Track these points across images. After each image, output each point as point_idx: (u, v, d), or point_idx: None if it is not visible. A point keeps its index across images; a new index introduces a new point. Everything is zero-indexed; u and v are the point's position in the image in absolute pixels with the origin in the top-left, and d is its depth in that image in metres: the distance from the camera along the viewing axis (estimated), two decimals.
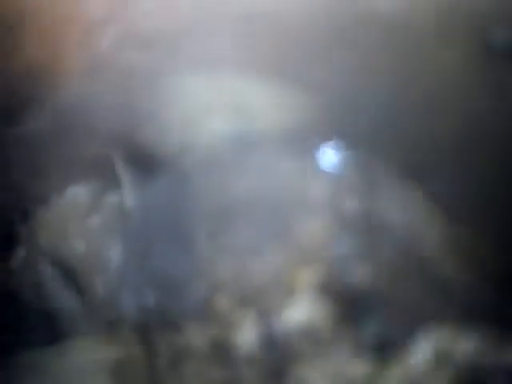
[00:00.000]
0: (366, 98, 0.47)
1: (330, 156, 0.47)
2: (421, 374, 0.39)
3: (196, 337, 0.47)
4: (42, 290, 0.65)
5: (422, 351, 0.39)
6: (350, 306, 0.44)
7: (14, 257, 0.68)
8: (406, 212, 0.47)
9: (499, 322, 0.42)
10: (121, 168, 0.58)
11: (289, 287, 0.46)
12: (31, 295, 0.66)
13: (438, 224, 0.45)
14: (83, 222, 0.62)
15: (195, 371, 0.47)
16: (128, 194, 0.58)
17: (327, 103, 0.47)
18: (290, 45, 0.46)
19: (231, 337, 0.45)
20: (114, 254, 0.58)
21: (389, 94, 0.48)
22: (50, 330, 0.63)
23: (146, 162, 0.55)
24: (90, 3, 0.47)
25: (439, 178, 0.48)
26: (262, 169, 0.48)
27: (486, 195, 0.46)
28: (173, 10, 0.45)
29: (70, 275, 0.62)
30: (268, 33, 0.46)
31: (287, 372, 0.43)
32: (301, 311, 0.45)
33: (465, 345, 0.39)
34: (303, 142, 0.48)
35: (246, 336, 0.45)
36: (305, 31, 0.46)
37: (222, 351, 0.46)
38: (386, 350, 0.40)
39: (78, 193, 0.63)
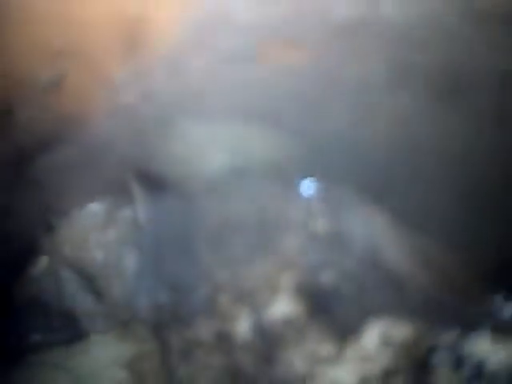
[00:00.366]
0: (335, 141, 0.61)
1: (305, 185, 0.60)
2: (371, 351, 0.53)
3: (202, 329, 0.60)
4: (62, 294, 0.76)
5: (371, 335, 0.52)
6: (319, 302, 0.58)
7: (36, 265, 0.79)
8: (366, 228, 0.61)
9: (434, 313, 0.56)
10: (135, 188, 0.70)
11: (273, 288, 0.59)
12: (53, 298, 0.77)
13: (394, 235, 0.58)
14: (101, 233, 0.74)
15: (202, 359, 0.59)
16: (141, 210, 0.70)
17: (304, 145, 0.61)
18: (277, 99, 0.60)
19: (230, 328, 0.59)
20: (129, 261, 0.71)
21: (351, 136, 0.62)
22: (71, 330, 0.74)
23: (157, 185, 0.68)
24: (117, 71, 0.59)
25: (397, 197, 0.62)
26: (252, 195, 0.61)
27: (441, 209, 0.60)
28: (182, 77, 0.57)
29: (90, 280, 0.74)
30: (258, 90, 0.59)
31: (274, 353, 0.57)
32: (282, 306, 0.58)
33: (405, 330, 0.53)
34: (285, 175, 0.61)
35: (242, 327, 0.58)
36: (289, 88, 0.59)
37: (223, 340, 0.59)
38: (345, 334, 0.54)
39: (96, 209, 0.75)
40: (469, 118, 0.62)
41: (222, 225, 0.62)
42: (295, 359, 0.55)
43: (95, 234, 0.76)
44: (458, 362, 0.51)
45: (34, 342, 0.74)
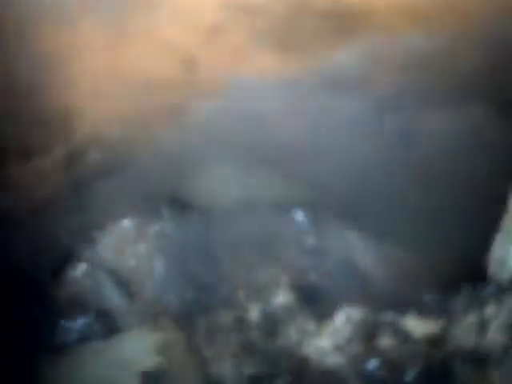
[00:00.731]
0: (321, 182, 0.87)
1: (299, 213, 0.86)
2: (340, 327, 0.79)
3: (223, 317, 0.84)
4: (100, 294, 0.96)
5: (340, 316, 0.78)
6: (307, 295, 0.83)
7: (75, 270, 0.98)
8: (341, 242, 0.87)
9: (384, 299, 0.83)
10: (165, 209, 0.92)
11: (275, 285, 0.84)
12: (92, 298, 0.96)
13: (362, 246, 0.85)
14: (134, 244, 0.95)
15: (223, 339, 0.83)
16: (168, 226, 0.92)
17: (299, 184, 0.87)
18: (281, 149, 0.86)
19: (245, 315, 0.83)
20: (158, 266, 0.92)
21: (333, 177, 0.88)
22: (108, 324, 0.93)
23: (184, 208, 0.91)
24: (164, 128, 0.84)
25: (365, 219, 0.88)
26: (260, 218, 0.86)
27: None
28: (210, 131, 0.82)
29: (124, 282, 0.95)
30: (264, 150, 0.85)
31: (276, 330, 0.82)
32: (282, 298, 0.83)
33: (361, 312, 0.79)
34: (284, 205, 0.87)
35: (254, 314, 0.83)
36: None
37: (239, 324, 0.83)
38: (324, 316, 0.79)
39: (129, 223, 0.96)
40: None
41: (235, 240, 0.86)
42: (290, 333, 0.80)
43: (129, 245, 0.97)
44: (395, 333, 0.77)
45: (76, 333, 0.93)
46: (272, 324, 0.81)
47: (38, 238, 0.97)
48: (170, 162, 0.87)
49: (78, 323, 0.96)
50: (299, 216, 0.87)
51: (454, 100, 0.89)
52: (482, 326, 0.75)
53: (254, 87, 0.89)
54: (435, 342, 0.76)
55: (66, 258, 0.99)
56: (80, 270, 0.99)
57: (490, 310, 0.75)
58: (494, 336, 0.74)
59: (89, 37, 0.92)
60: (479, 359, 0.74)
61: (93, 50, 0.91)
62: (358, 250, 0.82)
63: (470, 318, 0.76)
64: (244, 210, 0.88)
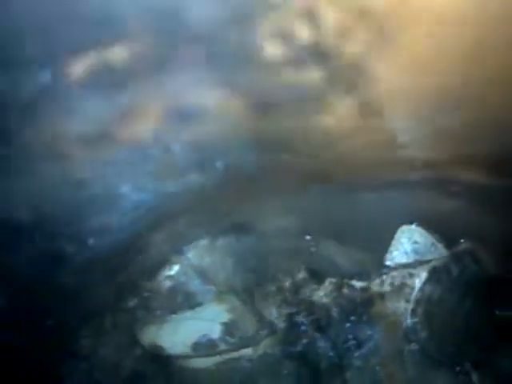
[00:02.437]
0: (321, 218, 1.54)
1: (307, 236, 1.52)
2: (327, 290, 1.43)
3: (269, 289, 1.45)
4: (188, 285, 1.57)
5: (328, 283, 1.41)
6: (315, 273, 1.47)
7: (171, 271, 1.60)
8: (332, 249, 1.52)
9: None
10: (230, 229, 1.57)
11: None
12: (183, 288, 1.57)
13: (340, 249, 1.50)
14: (210, 252, 1.59)
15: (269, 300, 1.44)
16: (232, 240, 1.56)
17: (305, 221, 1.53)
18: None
19: (283, 285, 1.46)
20: (228, 264, 1.55)
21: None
22: (193, 301, 1.53)
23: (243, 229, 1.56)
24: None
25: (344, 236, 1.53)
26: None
27: None
28: None
29: (204, 275, 1.56)
30: None
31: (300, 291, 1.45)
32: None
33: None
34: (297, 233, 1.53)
35: (287, 284, 1.46)
36: None
37: (279, 291, 1.45)
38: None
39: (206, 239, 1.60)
40: None
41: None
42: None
43: (206, 252, 1.60)
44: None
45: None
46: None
47: (145, 250, 1.58)
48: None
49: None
50: (307, 237, 1.53)
51: None
52: None
53: None
54: None
55: (163, 263, 1.61)
56: (174, 269, 1.60)
57: None
58: None
59: None
60: None
61: None
62: (338, 252, 1.48)
63: None
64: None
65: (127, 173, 1.07)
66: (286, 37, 0.98)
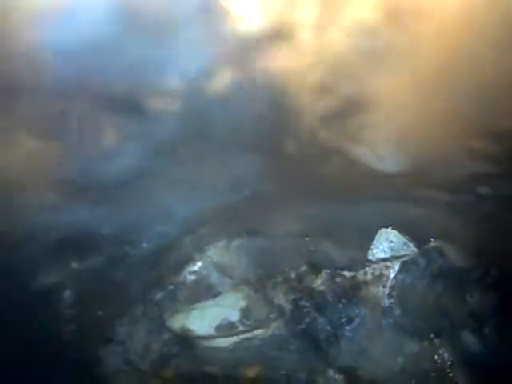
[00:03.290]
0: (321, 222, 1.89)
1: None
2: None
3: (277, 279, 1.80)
4: (209, 278, 1.92)
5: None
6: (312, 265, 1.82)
7: (195, 266, 1.95)
8: (326, 244, 1.88)
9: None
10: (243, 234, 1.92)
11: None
12: (204, 281, 1.92)
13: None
14: (227, 250, 1.93)
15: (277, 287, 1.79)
16: (244, 242, 1.91)
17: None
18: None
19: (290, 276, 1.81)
20: (242, 262, 1.89)
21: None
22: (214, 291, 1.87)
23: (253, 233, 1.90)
24: None
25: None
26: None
27: None
28: None
29: (222, 269, 1.91)
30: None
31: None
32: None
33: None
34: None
35: (294, 275, 1.81)
36: None
37: (286, 281, 1.80)
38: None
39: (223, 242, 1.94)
40: None
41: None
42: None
43: (224, 250, 1.94)
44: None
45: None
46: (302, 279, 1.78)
47: (175, 251, 1.93)
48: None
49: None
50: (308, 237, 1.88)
51: None
52: None
53: None
54: None
55: (188, 260, 1.95)
56: (198, 265, 1.95)
57: None
58: None
59: None
60: None
61: None
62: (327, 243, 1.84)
63: None
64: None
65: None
66: None
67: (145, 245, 1.56)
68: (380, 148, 1.44)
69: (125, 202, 1.44)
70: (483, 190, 1.68)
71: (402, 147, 1.43)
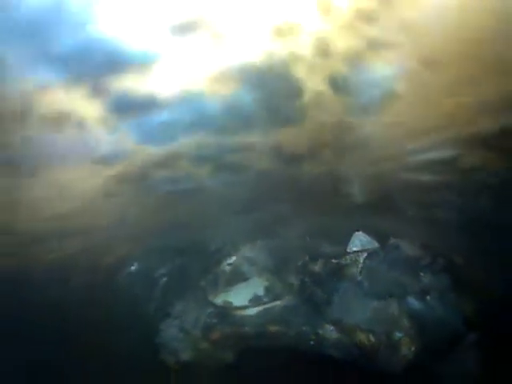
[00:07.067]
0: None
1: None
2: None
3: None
4: (242, 269, 2.81)
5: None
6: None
7: (230, 259, 2.85)
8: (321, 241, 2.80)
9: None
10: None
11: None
12: (239, 271, 2.81)
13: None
14: (254, 248, 2.82)
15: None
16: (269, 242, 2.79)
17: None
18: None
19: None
20: (262, 258, 2.77)
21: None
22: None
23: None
24: None
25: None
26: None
27: None
28: None
29: (252, 263, 2.79)
30: None
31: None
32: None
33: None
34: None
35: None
36: None
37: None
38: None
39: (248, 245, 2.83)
40: None
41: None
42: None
43: (253, 249, 2.83)
44: None
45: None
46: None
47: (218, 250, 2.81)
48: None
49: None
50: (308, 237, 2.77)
51: None
52: None
53: None
54: None
55: (226, 256, 2.83)
56: (232, 259, 2.84)
57: None
58: None
59: None
60: None
61: None
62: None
63: None
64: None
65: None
66: None
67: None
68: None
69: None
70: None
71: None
